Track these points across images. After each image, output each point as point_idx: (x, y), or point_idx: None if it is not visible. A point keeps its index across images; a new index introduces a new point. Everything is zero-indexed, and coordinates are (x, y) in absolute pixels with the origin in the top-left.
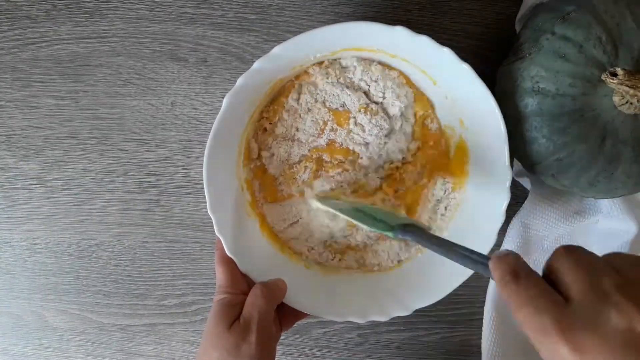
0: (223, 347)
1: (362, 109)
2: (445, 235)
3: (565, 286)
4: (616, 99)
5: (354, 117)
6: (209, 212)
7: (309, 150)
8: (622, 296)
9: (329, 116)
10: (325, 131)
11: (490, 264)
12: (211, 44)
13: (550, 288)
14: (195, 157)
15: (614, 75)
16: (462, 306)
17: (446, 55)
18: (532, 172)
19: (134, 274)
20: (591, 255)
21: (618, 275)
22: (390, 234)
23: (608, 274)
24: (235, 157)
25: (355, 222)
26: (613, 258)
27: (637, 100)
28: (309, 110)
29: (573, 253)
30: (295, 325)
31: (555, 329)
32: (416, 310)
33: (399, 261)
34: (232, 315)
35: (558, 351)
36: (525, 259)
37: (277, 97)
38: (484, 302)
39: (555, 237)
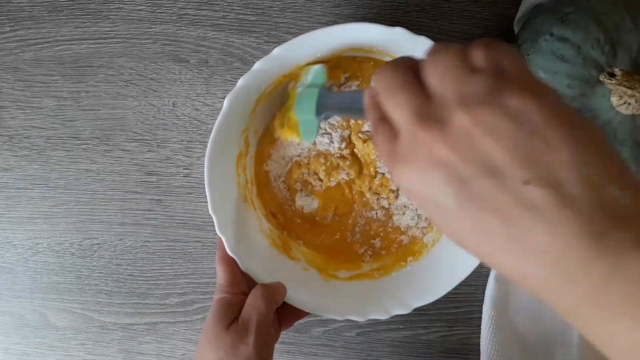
0: (221, 347)
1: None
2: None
3: (392, 118)
4: (614, 99)
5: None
6: (210, 212)
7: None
8: (420, 125)
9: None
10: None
11: (365, 101)
12: (212, 45)
13: (390, 127)
14: (196, 157)
15: (612, 76)
16: (461, 305)
17: None
18: None
19: (136, 273)
20: (392, 74)
21: (417, 103)
22: (314, 118)
23: (410, 102)
24: (236, 157)
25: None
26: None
27: (635, 101)
28: None
29: (381, 78)
30: (295, 323)
31: (390, 165)
32: (415, 309)
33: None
34: (231, 315)
35: (396, 174)
36: None
37: None
38: (482, 300)
39: None
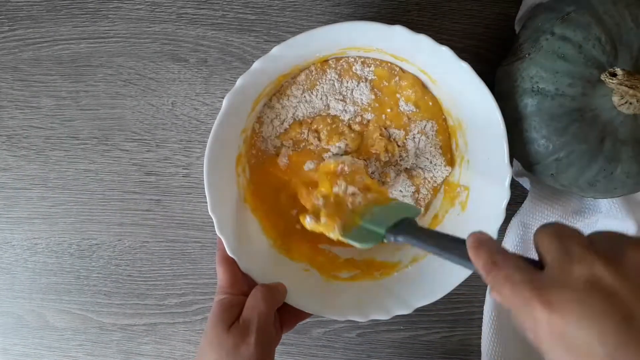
0: (222, 348)
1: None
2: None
3: (541, 256)
4: (615, 99)
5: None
6: (210, 212)
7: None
8: (585, 251)
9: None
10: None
11: (471, 257)
12: (211, 44)
13: (525, 263)
14: (195, 157)
15: (614, 75)
16: (462, 305)
17: (445, 54)
18: (532, 172)
19: (135, 274)
20: (566, 226)
21: (586, 239)
22: (381, 239)
23: (577, 239)
24: (236, 157)
25: (348, 241)
26: (591, 234)
27: (637, 100)
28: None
29: (549, 227)
30: (296, 325)
31: (529, 293)
32: (416, 310)
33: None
34: (232, 316)
35: (534, 313)
36: None
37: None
38: (483, 301)
39: None
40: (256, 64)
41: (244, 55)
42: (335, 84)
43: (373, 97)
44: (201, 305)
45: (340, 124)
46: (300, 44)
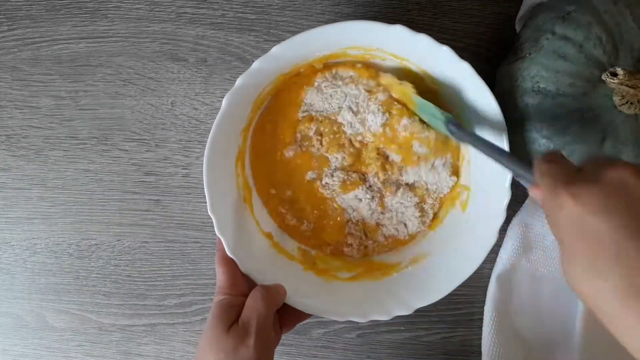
0: (221, 349)
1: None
2: (446, 233)
3: (582, 164)
4: (616, 99)
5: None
6: (209, 212)
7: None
8: (621, 162)
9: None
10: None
11: (536, 165)
12: (211, 43)
13: (570, 163)
14: (195, 157)
15: (614, 75)
16: (463, 306)
17: (445, 53)
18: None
19: (134, 274)
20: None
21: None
22: (444, 127)
23: (613, 158)
24: (235, 156)
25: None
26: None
27: (637, 100)
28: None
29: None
30: (295, 325)
31: (562, 186)
32: (416, 311)
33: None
34: (232, 317)
35: (562, 205)
36: (525, 259)
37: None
38: (484, 302)
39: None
40: (256, 64)
41: (244, 54)
42: (361, 97)
43: (382, 130)
44: (201, 305)
45: (343, 136)
46: (300, 44)
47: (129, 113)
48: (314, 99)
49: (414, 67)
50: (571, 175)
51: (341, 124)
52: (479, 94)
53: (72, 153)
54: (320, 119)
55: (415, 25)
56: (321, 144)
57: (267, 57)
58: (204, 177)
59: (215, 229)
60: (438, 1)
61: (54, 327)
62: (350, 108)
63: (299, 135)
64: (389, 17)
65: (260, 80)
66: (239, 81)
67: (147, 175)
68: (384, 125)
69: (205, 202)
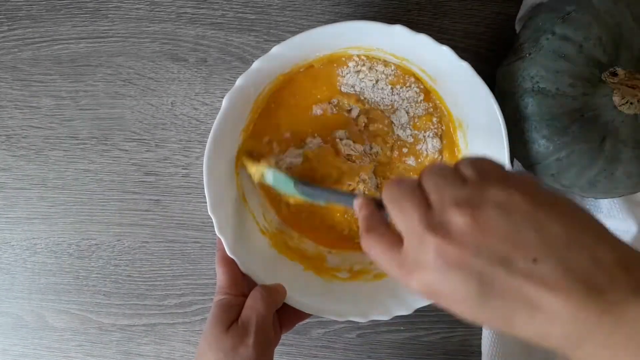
0: (220, 349)
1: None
2: None
3: (397, 226)
4: (616, 98)
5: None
6: (209, 213)
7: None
8: (425, 231)
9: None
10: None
11: (356, 210)
12: (211, 44)
13: (389, 235)
14: (195, 157)
15: (614, 75)
16: None
17: (445, 53)
18: (532, 172)
19: (134, 274)
20: (398, 189)
21: (421, 213)
22: (292, 188)
23: (415, 212)
24: (235, 156)
25: (274, 183)
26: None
27: (637, 100)
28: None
29: (388, 191)
30: (295, 325)
31: (398, 271)
32: (416, 310)
33: None
34: (231, 316)
35: (410, 285)
36: None
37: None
38: None
39: None
40: (256, 64)
41: (244, 54)
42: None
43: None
44: (201, 305)
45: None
46: (299, 44)
47: (129, 113)
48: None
49: (413, 67)
50: (397, 258)
51: (393, 123)
52: (478, 94)
53: (72, 153)
54: (368, 105)
55: (415, 26)
56: (368, 128)
57: (267, 57)
58: (204, 177)
59: (215, 229)
60: (438, 1)
61: (54, 327)
62: (407, 111)
63: (335, 100)
64: (389, 17)
65: (260, 80)
66: (239, 81)
67: (147, 175)
68: (439, 151)
69: (206, 202)
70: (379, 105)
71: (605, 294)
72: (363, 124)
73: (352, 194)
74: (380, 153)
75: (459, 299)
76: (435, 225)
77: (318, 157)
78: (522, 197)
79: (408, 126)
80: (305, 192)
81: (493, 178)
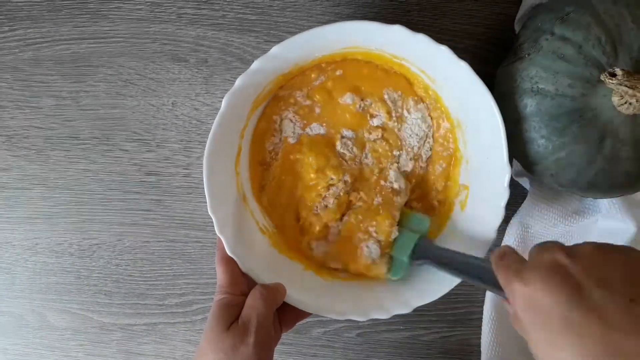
0: (220, 349)
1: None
2: (445, 232)
3: (529, 253)
4: (615, 99)
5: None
6: (210, 212)
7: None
8: (552, 244)
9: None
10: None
11: (492, 262)
12: (212, 44)
13: (518, 255)
14: (195, 157)
15: (613, 75)
16: (462, 305)
17: (444, 53)
18: (531, 172)
19: (135, 274)
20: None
21: (560, 244)
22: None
23: (553, 243)
24: (235, 156)
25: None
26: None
27: (636, 101)
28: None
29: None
30: (295, 324)
31: (513, 274)
32: (416, 310)
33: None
34: (231, 316)
35: (514, 288)
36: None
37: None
38: (483, 301)
39: (554, 237)
40: (255, 64)
41: (244, 55)
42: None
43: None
44: (201, 305)
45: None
46: (299, 44)
47: (130, 113)
48: None
49: (413, 68)
50: (520, 265)
51: (398, 156)
52: (477, 94)
53: (74, 153)
54: (394, 127)
55: (415, 26)
56: (375, 142)
57: (267, 57)
58: (204, 177)
59: (216, 229)
60: (438, 2)
61: (55, 327)
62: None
63: (369, 101)
64: (388, 18)
65: (260, 81)
66: (238, 81)
67: (148, 175)
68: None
69: (206, 202)
70: (403, 138)
71: None
72: (374, 138)
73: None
74: (369, 166)
75: (553, 297)
76: (564, 247)
77: (311, 143)
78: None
79: (409, 161)
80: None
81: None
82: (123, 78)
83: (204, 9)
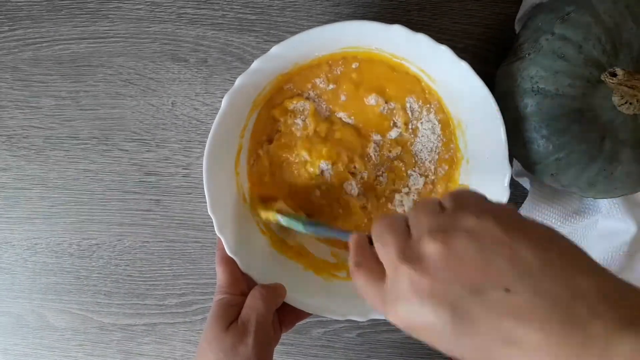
0: (220, 349)
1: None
2: None
3: (382, 260)
4: (615, 99)
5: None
6: (209, 212)
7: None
8: (400, 262)
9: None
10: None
11: (351, 245)
12: (211, 44)
13: (376, 271)
14: (195, 157)
15: (614, 75)
16: None
17: (444, 53)
18: (532, 172)
19: (135, 274)
20: (382, 225)
21: (399, 246)
22: (301, 227)
23: (393, 245)
24: (235, 156)
25: (287, 224)
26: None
27: (637, 101)
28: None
29: (375, 228)
30: (295, 325)
31: (380, 308)
32: None
33: None
34: (231, 316)
35: (390, 317)
36: None
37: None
38: None
39: None
40: (255, 64)
41: (244, 55)
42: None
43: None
44: (201, 305)
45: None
46: (299, 44)
47: (129, 113)
48: None
49: (412, 67)
50: (379, 291)
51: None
52: (477, 94)
53: (73, 153)
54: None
55: (415, 26)
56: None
57: (267, 57)
58: (204, 177)
59: (215, 229)
60: (437, 2)
61: (54, 327)
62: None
63: (393, 104)
64: (388, 17)
65: (259, 80)
66: (238, 81)
67: (148, 175)
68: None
69: (206, 202)
70: (415, 154)
71: (587, 327)
72: (394, 156)
73: (349, 232)
74: (382, 185)
75: (433, 332)
76: (410, 256)
77: (344, 128)
78: (494, 223)
79: (419, 178)
80: (311, 229)
81: (469, 207)
82: (122, 78)
83: (203, 8)
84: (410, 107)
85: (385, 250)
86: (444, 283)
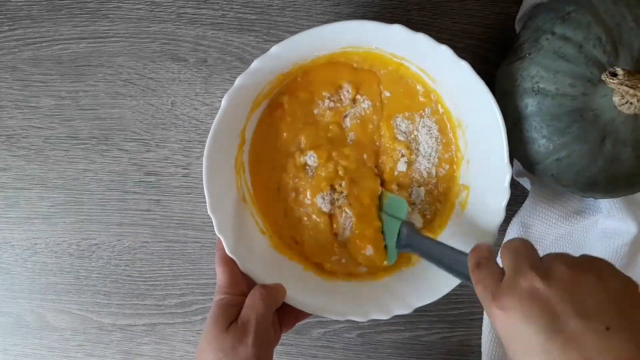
0: (220, 349)
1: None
2: (446, 233)
3: (504, 267)
4: (616, 99)
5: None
6: (209, 212)
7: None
8: (529, 269)
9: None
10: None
11: (470, 268)
12: (211, 44)
13: (496, 270)
14: (195, 157)
15: (614, 75)
16: (462, 306)
17: (444, 53)
18: (532, 172)
19: (134, 274)
20: (522, 245)
21: (533, 257)
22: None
23: (526, 258)
24: (235, 156)
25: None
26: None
27: (637, 100)
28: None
29: (510, 244)
30: (295, 325)
31: (492, 297)
32: (416, 310)
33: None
34: (231, 316)
35: (494, 312)
36: None
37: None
38: None
39: (555, 237)
40: (255, 64)
41: (244, 55)
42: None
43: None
44: (201, 305)
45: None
46: (299, 43)
47: (129, 113)
48: None
49: (412, 67)
50: (496, 285)
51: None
52: (478, 94)
53: (73, 153)
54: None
55: (415, 26)
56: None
57: (266, 57)
58: (204, 177)
59: (215, 229)
60: (438, 1)
61: (54, 327)
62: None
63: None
64: (388, 17)
65: (259, 80)
66: (238, 81)
67: (148, 175)
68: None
69: (206, 202)
70: (417, 169)
71: None
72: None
73: (465, 253)
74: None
75: (526, 332)
76: (539, 267)
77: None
78: (619, 279)
79: (420, 190)
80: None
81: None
82: (122, 78)
83: (203, 8)
84: (398, 125)
85: (517, 260)
86: (559, 298)
